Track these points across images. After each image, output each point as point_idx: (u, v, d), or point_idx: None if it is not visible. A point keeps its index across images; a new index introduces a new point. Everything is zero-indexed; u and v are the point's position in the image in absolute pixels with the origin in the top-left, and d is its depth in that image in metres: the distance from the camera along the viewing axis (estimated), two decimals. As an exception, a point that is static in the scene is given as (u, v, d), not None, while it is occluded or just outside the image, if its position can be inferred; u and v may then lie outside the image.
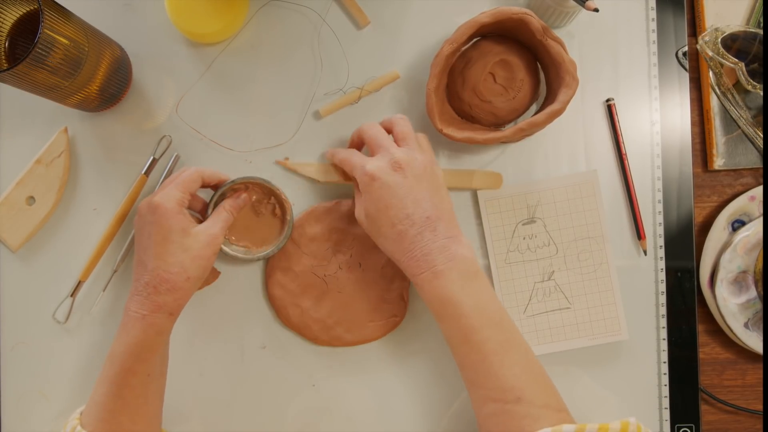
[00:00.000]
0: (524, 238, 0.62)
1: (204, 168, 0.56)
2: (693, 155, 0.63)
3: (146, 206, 0.53)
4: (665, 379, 0.62)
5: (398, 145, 0.54)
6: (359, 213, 0.54)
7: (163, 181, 0.61)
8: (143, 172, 0.61)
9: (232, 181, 0.58)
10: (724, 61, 0.61)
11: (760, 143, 0.63)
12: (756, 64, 0.60)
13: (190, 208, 0.56)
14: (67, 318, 0.61)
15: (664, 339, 0.62)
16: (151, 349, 0.51)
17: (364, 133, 0.56)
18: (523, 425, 0.46)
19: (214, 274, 0.60)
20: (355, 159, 0.54)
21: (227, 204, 0.57)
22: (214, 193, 0.57)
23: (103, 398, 0.50)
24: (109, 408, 0.50)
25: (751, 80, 0.60)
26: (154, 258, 0.51)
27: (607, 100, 0.62)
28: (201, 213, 0.58)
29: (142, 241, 0.53)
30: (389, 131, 0.56)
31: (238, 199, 0.58)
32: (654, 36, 0.62)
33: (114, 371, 0.50)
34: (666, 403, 0.62)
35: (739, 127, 0.63)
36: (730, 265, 0.62)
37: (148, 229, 0.52)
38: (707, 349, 0.65)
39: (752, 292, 0.63)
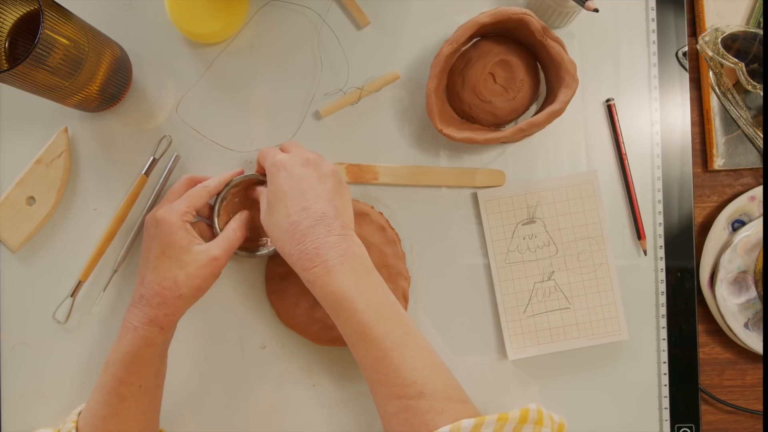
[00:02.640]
0: (524, 238, 0.62)
1: (208, 182, 0.56)
2: (693, 155, 0.63)
3: (151, 220, 0.54)
4: (665, 379, 0.62)
5: None
6: (262, 209, 0.53)
7: (162, 182, 0.61)
8: (143, 172, 0.61)
9: (231, 184, 0.58)
10: (724, 61, 0.61)
11: (760, 143, 0.63)
12: (756, 64, 0.60)
13: (198, 214, 0.57)
14: (67, 318, 0.61)
15: (664, 339, 0.62)
16: (141, 361, 0.51)
17: (283, 144, 0.57)
18: (426, 420, 0.45)
19: None
20: (271, 151, 0.55)
21: (233, 224, 0.56)
22: (215, 198, 0.58)
23: (95, 404, 0.51)
24: (101, 415, 0.51)
25: (751, 80, 0.60)
26: (151, 271, 0.52)
27: (607, 100, 0.62)
28: (208, 218, 0.58)
29: (144, 255, 0.54)
30: None
31: (241, 217, 0.57)
32: (654, 36, 0.62)
33: (106, 379, 0.51)
34: (666, 403, 0.62)
35: (739, 127, 0.63)
36: (730, 265, 0.62)
37: (149, 243, 0.53)
38: (707, 349, 0.65)
39: (752, 292, 0.63)
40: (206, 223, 0.58)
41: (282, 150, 0.56)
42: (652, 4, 0.62)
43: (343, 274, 0.48)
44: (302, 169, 0.52)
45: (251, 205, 0.59)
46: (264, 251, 0.59)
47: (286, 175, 0.51)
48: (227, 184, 0.58)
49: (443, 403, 0.46)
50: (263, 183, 0.58)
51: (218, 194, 0.57)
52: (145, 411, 0.53)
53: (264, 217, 0.53)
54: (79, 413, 0.53)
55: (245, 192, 0.59)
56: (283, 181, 0.51)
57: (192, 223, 0.55)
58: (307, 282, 0.50)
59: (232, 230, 0.56)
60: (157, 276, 0.51)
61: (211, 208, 0.58)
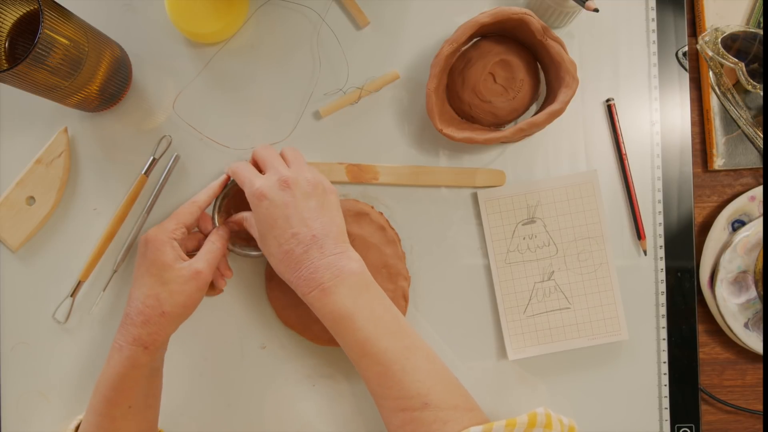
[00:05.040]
0: (524, 238, 0.62)
1: (197, 196, 0.56)
2: (693, 155, 0.63)
3: (142, 240, 0.54)
4: (665, 379, 0.62)
5: (287, 166, 0.53)
6: (256, 238, 0.53)
7: (162, 182, 0.61)
8: (143, 172, 0.61)
9: (222, 194, 0.58)
10: (724, 61, 0.61)
11: (760, 143, 0.63)
12: (756, 64, 0.60)
13: (199, 228, 0.58)
14: (67, 318, 0.61)
15: (664, 339, 0.62)
16: (129, 382, 0.50)
17: (257, 153, 0.55)
18: (433, 430, 0.45)
19: (215, 290, 0.61)
20: (246, 173, 0.53)
21: (212, 237, 0.56)
22: (215, 200, 0.58)
23: (88, 427, 0.51)
24: None
25: (751, 80, 0.60)
26: (137, 289, 0.52)
27: (607, 100, 0.62)
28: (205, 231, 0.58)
29: (134, 274, 0.54)
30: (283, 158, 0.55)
31: (219, 231, 0.57)
32: (654, 36, 0.62)
33: (97, 401, 0.51)
34: (666, 403, 0.62)
35: (739, 127, 0.63)
36: (730, 265, 0.62)
37: (138, 262, 0.53)
38: (707, 349, 0.65)
39: (752, 292, 0.63)
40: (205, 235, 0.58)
41: (255, 162, 0.55)
42: (652, 4, 0.62)
43: (341, 293, 0.49)
44: (282, 193, 0.51)
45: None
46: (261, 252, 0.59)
47: (268, 205, 0.51)
48: (223, 192, 0.58)
49: (449, 413, 0.46)
50: None
51: (215, 204, 0.57)
52: (138, 430, 0.52)
53: (260, 246, 0.53)
54: (77, 427, 0.53)
55: (240, 201, 0.59)
56: (267, 212, 0.51)
57: (189, 237, 0.56)
58: (308, 304, 0.51)
59: (212, 243, 0.55)
60: (140, 294, 0.51)
61: (211, 220, 0.58)
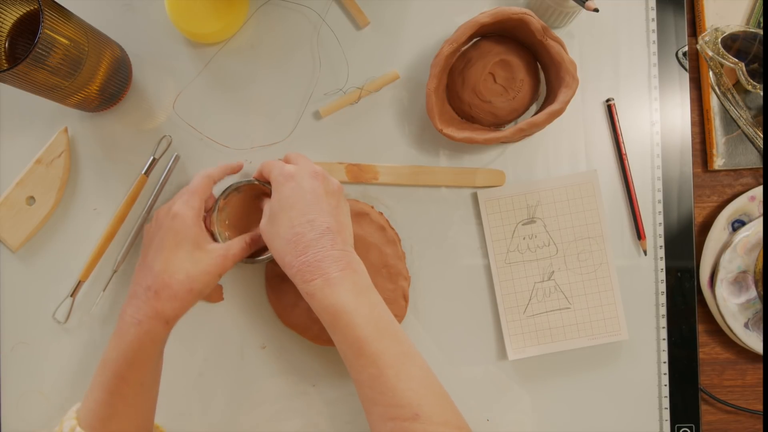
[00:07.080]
0: (524, 238, 0.62)
1: (210, 170, 0.57)
2: (693, 155, 0.63)
3: (165, 212, 0.53)
4: (665, 379, 0.62)
5: None
6: (263, 218, 0.54)
7: (162, 182, 0.61)
8: (143, 172, 0.61)
9: (230, 189, 0.58)
10: (724, 61, 0.61)
11: (760, 143, 0.63)
12: (756, 64, 0.60)
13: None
14: (67, 318, 0.61)
15: (664, 339, 0.62)
16: (144, 357, 0.49)
17: (290, 154, 0.57)
18: None
19: (218, 295, 0.61)
20: (277, 163, 0.55)
21: (246, 237, 0.56)
22: (217, 200, 0.57)
23: (94, 405, 0.49)
24: (101, 416, 0.49)
25: (751, 80, 0.60)
26: (163, 262, 0.51)
27: (607, 100, 0.62)
28: (207, 212, 0.58)
29: (152, 246, 0.52)
30: None
31: (254, 234, 0.57)
32: (654, 36, 0.62)
33: (106, 377, 0.49)
34: (666, 403, 0.62)
35: (739, 127, 0.63)
36: (730, 265, 0.62)
37: (162, 235, 0.52)
38: (707, 349, 0.65)
39: (752, 292, 0.63)
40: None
41: (287, 161, 0.56)
42: (652, 4, 0.62)
43: (344, 287, 0.48)
44: (311, 181, 0.52)
45: (252, 212, 0.59)
46: (263, 257, 0.59)
47: (294, 186, 0.51)
48: (234, 186, 0.57)
49: (438, 428, 0.45)
50: (261, 189, 0.58)
51: (224, 192, 0.57)
52: (145, 409, 0.52)
53: (265, 227, 0.53)
54: (77, 413, 0.52)
55: (245, 199, 0.59)
56: (291, 192, 0.51)
57: None
58: (306, 294, 0.49)
59: (245, 242, 0.55)
60: (169, 267, 0.50)
61: (211, 213, 0.58)
